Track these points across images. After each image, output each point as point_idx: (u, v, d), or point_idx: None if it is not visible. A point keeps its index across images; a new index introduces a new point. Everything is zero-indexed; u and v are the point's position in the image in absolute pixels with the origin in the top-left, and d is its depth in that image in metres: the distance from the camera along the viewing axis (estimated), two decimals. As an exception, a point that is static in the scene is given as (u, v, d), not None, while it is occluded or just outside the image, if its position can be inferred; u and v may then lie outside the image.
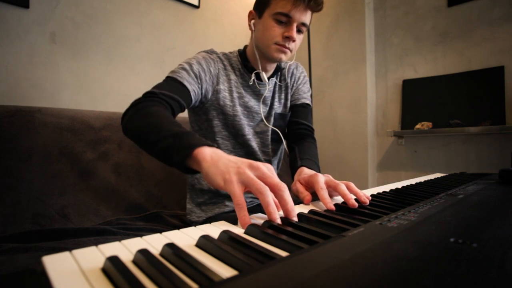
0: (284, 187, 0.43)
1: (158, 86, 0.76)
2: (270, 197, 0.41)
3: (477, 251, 0.25)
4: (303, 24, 0.81)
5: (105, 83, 1.44)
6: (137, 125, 0.65)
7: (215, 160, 0.48)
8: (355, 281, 0.20)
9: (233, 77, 0.89)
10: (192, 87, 0.80)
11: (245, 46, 0.94)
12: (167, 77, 0.80)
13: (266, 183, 0.43)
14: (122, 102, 1.50)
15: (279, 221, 0.39)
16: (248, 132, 0.92)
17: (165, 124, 0.60)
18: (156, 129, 0.60)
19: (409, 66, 2.01)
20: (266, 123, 0.94)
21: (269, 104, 0.96)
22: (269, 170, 0.47)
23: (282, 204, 0.42)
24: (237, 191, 0.43)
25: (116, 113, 1.24)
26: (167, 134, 0.57)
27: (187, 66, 0.81)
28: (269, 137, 0.96)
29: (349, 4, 2.15)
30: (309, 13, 0.81)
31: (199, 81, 0.82)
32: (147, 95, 0.73)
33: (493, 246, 0.26)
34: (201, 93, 0.84)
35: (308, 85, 1.04)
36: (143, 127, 0.63)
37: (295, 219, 0.40)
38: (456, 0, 1.81)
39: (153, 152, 0.62)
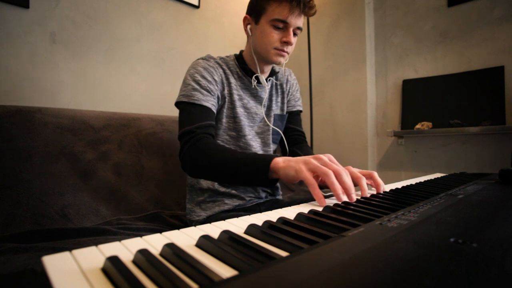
0: (343, 171, 0.53)
1: (186, 121, 0.81)
2: (334, 178, 0.51)
3: (477, 251, 0.25)
4: (298, 28, 0.86)
5: (105, 83, 1.44)
6: (204, 169, 0.76)
7: (287, 162, 0.60)
8: (355, 281, 0.20)
9: (232, 80, 0.92)
10: (211, 103, 0.85)
11: (241, 51, 0.98)
12: (183, 103, 0.84)
13: (328, 169, 0.53)
14: (122, 102, 1.50)
15: (342, 199, 0.49)
16: (249, 132, 0.95)
17: (230, 157, 0.71)
18: (225, 165, 0.71)
19: (409, 66, 2.01)
20: (267, 121, 0.97)
21: (266, 105, 0.99)
22: (329, 159, 0.57)
23: (342, 185, 0.51)
24: (307, 175, 0.54)
25: (116, 113, 1.24)
26: (239, 165, 0.69)
27: (195, 85, 0.84)
28: (271, 136, 0.99)
29: (349, 4, 2.15)
30: (303, 17, 0.86)
31: (212, 94, 0.86)
32: (187, 136, 0.79)
33: (493, 246, 0.26)
34: (218, 103, 0.89)
35: (299, 92, 1.12)
36: (211, 169, 0.74)
37: (354, 197, 0.50)
38: (456, 0, 1.81)
39: (233, 182, 0.77)
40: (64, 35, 1.31)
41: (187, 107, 0.83)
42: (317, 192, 0.51)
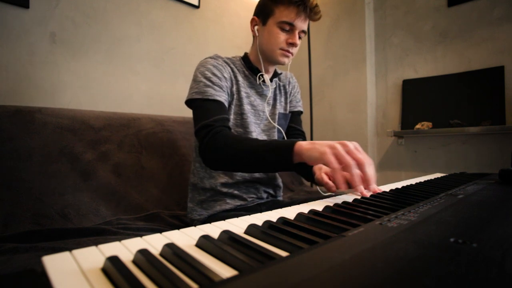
0: (366, 162, 0.53)
1: (202, 116, 0.82)
2: (356, 169, 0.52)
3: (477, 251, 0.25)
4: (303, 31, 0.90)
5: (105, 83, 1.44)
6: (227, 160, 0.76)
7: (312, 144, 0.60)
8: (355, 281, 0.20)
9: (239, 78, 0.94)
10: (224, 97, 0.87)
11: (245, 53, 1.00)
12: (197, 100, 0.84)
13: (352, 158, 0.54)
14: (122, 102, 1.50)
15: (361, 191, 0.51)
16: (255, 129, 0.97)
17: (252, 145, 0.72)
18: (249, 153, 0.71)
19: (409, 66, 2.01)
20: (271, 121, 1.00)
21: (271, 104, 1.02)
22: (355, 147, 0.56)
23: (364, 176, 0.53)
24: (332, 159, 0.54)
25: (116, 113, 1.24)
26: (262, 151, 0.69)
27: (207, 82, 0.86)
28: (276, 133, 1.01)
29: (349, 4, 2.15)
30: (307, 21, 0.90)
31: (223, 90, 0.88)
32: (205, 130, 0.80)
33: (493, 246, 0.26)
34: (228, 99, 0.91)
35: (300, 94, 1.15)
36: (234, 159, 0.74)
37: (375, 188, 0.53)
38: (456, 0, 1.81)
39: (257, 170, 0.77)
40: (64, 35, 1.31)
41: (202, 103, 0.84)
42: (339, 177, 0.52)
